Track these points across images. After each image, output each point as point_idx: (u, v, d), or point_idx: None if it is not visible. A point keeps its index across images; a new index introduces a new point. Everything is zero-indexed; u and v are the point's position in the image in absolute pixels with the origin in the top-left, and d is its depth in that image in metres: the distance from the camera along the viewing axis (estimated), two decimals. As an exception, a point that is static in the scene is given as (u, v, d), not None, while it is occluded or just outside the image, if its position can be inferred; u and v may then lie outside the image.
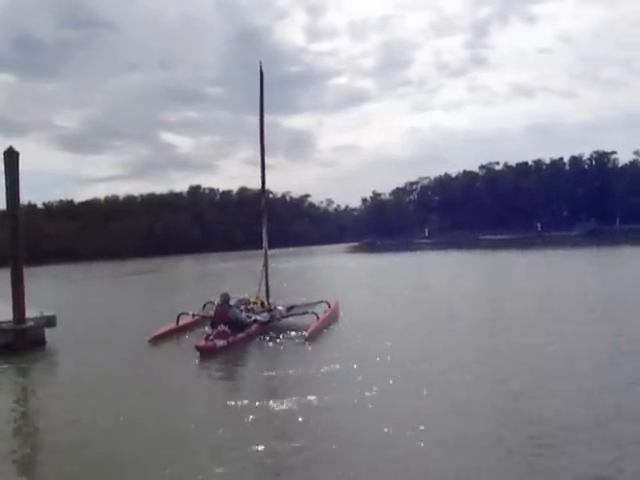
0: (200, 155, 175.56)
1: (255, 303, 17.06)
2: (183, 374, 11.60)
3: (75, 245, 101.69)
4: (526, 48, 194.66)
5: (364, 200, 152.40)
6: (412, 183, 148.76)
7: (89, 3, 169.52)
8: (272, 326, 15.77)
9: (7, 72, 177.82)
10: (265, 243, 18.40)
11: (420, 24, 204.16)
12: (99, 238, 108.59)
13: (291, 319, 16.32)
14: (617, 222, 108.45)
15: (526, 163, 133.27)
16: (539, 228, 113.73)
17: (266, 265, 18.19)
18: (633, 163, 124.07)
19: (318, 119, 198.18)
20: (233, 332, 13.99)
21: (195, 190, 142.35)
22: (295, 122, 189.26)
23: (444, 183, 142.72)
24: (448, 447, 7.04)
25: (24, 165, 15.02)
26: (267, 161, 18.91)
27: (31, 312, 14.87)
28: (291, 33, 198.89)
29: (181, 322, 16.02)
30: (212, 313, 15.11)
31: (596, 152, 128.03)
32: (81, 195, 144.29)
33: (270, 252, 18.64)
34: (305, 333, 14.41)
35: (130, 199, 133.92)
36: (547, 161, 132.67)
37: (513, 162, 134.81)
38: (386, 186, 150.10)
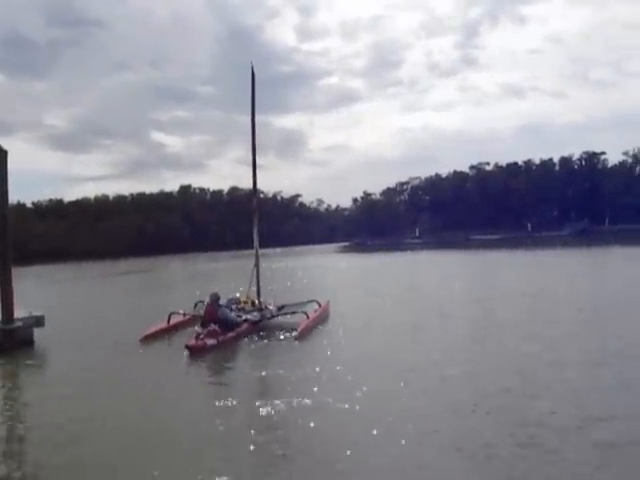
0: (191, 154, 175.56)
1: (246, 302, 17.10)
2: (173, 373, 11.56)
3: (65, 245, 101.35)
4: (516, 49, 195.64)
5: (355, 200, 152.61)
6: (403, 183, 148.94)
7: (79, 2, 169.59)
8: (262, 325, 15.80)
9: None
10: (256, 243, 18.38)
11: (411, 24, 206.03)
12: (89, 238, 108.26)
13: (281, 318, 16.35)
14: (606, 222, 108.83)
15: (516, 163, 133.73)
16: (529, 228, 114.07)
17: (257, 265, 18.17)
18: (622, 164, 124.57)
19: (309, 119, 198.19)
20: (223, 331, 14.03)
21: (185, 190, 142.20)
22: (286, 122, 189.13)
23: (435, 183, 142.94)
24: (437, 448, 7.03)
25: (13, 164, 14.95)
26: (258, 161, 18.91)
27: (19, 312, 14.80)
28: (282, 33, 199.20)
29: (172, 321, 16.04)
30: (203, 312, 15.11)
31: (586, 153, 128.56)
32: (71, 194, 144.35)
33: (261, 252, 18.61)
34: (295, 332, 14.44)
35: (120, 198, 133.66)
36: (537, 161, 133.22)
37: (503, 162, 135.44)
38: (377, 186, 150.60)
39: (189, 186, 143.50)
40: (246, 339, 14.57)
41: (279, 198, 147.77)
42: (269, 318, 16.39)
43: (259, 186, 19.53)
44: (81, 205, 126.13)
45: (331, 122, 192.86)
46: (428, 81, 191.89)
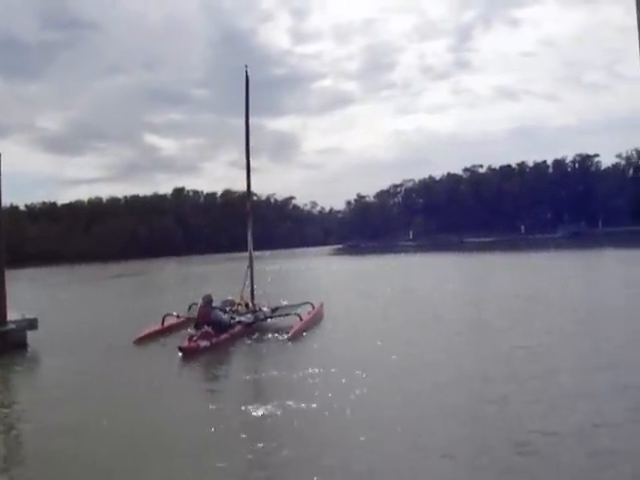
0: (184, 157, 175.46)
1: (240, 304, 17.12)
2: (166, 376, 11.55)
3: (58, 248, 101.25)
4: (510, 52, 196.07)
5: (348, 203, 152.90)
6: (396, 186, 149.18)
7: (73, 5, 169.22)
8: (256, 327, 15.83)
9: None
10: (250, 245, 18.40)
11: (404, 27, 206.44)
12: (82, 240, 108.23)
13: (275, 320, 16.40)
14: (600, 225, 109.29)
15: (510, 166, 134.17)
16: (523, 231, 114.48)
17: (251, 267, 18.20)
18: (616, 166, 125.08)
19: (303, 121, 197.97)
20: (216, 333, 14.04)
21: (179, 192, 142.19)
22: (280, 124, 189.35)
23: (428, 186, 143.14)
24: (428, 452, 7.00)
25: (6, 166, 14.94)
26: (252, 163, 18.93)
27: (13, 315, 14.77)
28: (276, 36, 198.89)
29: (166, 323, 16.05)
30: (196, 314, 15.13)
31: (579, 155, 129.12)
32: (64, 197, 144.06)
33: (255, 254, 18.64)
34: (287, 334, 14.46)
35: (114, 201, 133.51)
36: (531, 164, 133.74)
37: (497, 165, 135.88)
38: (370, 188, 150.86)
39: (183, 189, 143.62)
40: (239, 341, 14.59)
41: (273, 201, 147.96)
42: (262, 320, 16.43)
43: (252, 189, 19.58)
44: (74, 208, 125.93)
45: (325, 125, 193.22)
46: (421, 84, 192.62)
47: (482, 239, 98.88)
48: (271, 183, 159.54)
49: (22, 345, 14.62)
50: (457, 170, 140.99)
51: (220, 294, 17.69)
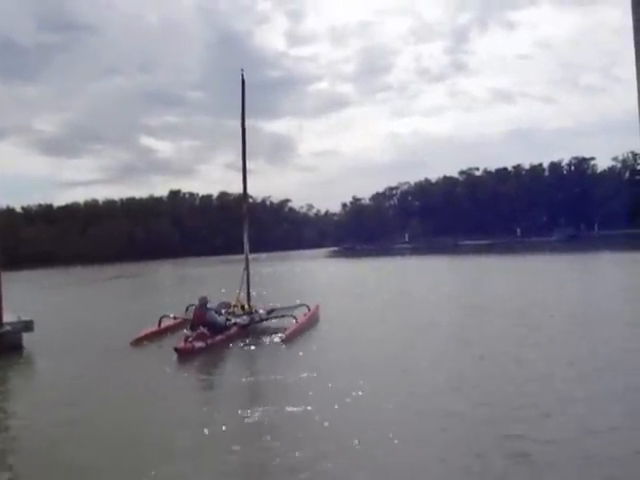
0: (180, 159, 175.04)
1: (236, 306, 17.20)
2: (162, 377, 11.59)
3: (54, 250, 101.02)
4: (506, 54, 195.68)
5: (344, 205, 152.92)
6: (392, 188, 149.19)
7: (69, 7, 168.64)
8: (251, 329, 15.89)
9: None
10: (246, 247, 18.44)
11: (400, 30, 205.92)
12: (78, 243, 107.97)
13: (271, 322, 16.44)
14: (596, 228, 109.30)
15: (506, 169, 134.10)
16: (519, 233, 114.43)
17: (247, 269, 18.24)
18: (612, 169, 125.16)
19: (298, 124, 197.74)
20: (212, 334, 14.12)
21: (175, 195, 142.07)
22: (276, 127, 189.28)
23: (424, 188, 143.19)
24: (423, 457, 7.03)
25: (2, 169, 15.12)
26: (247, 166, 18.99)
27: (8, 317, 14.79)
28: (272, 38, 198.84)
29: (163, 325, 16.12)
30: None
31: (575, 158, 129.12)
32: (60, 199, 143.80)
33: (251, 257, 18.68)
34: (282, 336, 14.51)
35: (110, 203, 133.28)
36: (527, 167, 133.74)
37: (493, 167, 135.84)
38: (366, 191, 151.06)
39: (179, 191, 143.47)
40: (234, 342, 14.63)
41: (269, 203, 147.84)
42: (258, 322, 16.49)
43: (248, 191, 19.63)
44: (71, 210, 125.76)
45: (320, 127, 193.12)
46: (418, 86, 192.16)
47: (478, 242, 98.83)
48: (267, 185, 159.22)
49: (18, 347, 14.66)
50: (453, 173, 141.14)
51: (216, 296, 17.75)
